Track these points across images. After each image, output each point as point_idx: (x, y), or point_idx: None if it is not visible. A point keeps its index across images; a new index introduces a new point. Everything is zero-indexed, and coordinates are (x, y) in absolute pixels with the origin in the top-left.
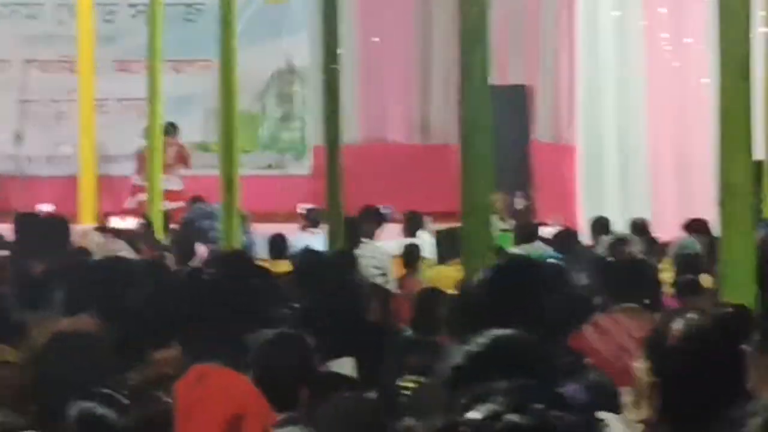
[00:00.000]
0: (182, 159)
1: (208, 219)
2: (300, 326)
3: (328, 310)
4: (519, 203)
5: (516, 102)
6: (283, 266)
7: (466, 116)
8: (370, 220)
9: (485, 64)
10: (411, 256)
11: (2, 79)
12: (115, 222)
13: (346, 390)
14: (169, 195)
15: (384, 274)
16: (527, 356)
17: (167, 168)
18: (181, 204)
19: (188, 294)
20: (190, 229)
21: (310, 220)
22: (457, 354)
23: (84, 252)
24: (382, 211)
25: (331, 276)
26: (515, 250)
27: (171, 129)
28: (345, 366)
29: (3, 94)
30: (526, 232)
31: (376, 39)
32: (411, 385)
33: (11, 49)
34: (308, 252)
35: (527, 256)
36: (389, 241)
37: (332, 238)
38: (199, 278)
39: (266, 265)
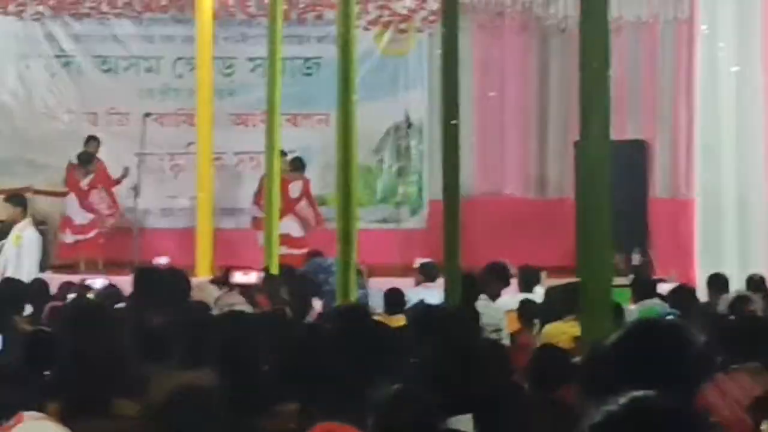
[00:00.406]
0: (308, 195)
1: (324, 273)
2: (418, 382)
3: (446, 366)
4: (636, 259)
5: (634, 157)
6: (399, 321)
7: (585, 171)
8: (495, 277)
9: (605, 118)
10: (527, 312)
11: (121, 132)
12: (239, 277)
13: None
14: (290, 241)
15: (497, 331)
16: (668, 418)
17: (292, 203)
18: (302, 251)
19: (307, 348)
20: (307, 282)
21: (426, 274)
22: (597, 415)
23: (203, 305)
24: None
25: (448, 331)
26: (633, 306)
27: (298, 164)
28: (464, 423)
29: (122, 147)
30: (645, 289)
31: (494, 93)
32: None
33: (130, 102)
34: (424, 307)
35: (656, 317)
36: (504, 296)
37: (449, 292)
38: (318, 333)
39: (382, 319)
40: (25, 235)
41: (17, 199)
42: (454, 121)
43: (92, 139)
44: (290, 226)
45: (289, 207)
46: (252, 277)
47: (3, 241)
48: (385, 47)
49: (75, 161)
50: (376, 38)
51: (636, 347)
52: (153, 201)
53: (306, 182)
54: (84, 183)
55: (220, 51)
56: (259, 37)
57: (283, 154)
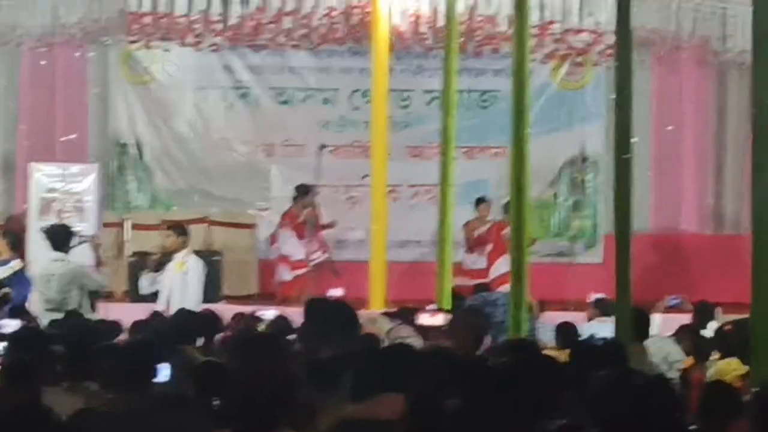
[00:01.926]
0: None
1: (490, 306)
2: (579, 416)
3: (610, 402)
4: None
5: None
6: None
7: (758, 207)
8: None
9: None
10: (701, 348)
11: (297, 164)
12: (425, 319)
13: None
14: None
15: (674, 369)
16: None
17: (505, 245)
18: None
19: (473, 382)
20: (479, 316)
21: (600, 309)
22: None
23: (372, 338)
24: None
25: (607, 366)
26: None
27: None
28: None
29: (297, 179)
30: None
31: (671, 127)
32: None
33: (307, 134)
34: (587, 342)
35: None
36: None
37: (620, 327)
38: (484, 367)
39: (553, 353)
40: (190, 262)
41: (179, 228)
42: (626, 155)
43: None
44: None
45: (502, 249)
46: (439, 319)
47: (162, 270)
48: (561, 80)
49: (294, 195)
50: (552, 71)
51: None
52: (329, 233)
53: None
54: (301, 217)
55: (396, 83)
56: (435, 69)
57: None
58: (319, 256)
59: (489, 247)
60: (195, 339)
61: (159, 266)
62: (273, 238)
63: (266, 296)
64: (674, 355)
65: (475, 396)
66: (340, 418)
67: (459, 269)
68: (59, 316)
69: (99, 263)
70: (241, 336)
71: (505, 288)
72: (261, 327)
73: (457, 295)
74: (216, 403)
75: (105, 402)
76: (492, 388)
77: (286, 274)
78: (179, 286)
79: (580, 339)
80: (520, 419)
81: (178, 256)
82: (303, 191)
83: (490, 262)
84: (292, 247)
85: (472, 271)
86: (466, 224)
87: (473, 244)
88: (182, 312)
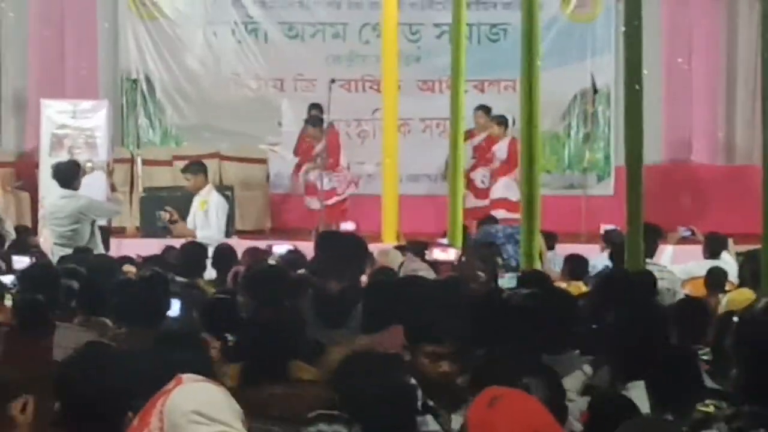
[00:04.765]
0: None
1: (495, 240)
2: (599, 348)
3: (626, 331)
4: None
5: None
6: (579, 287)
7: None
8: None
9: None
10: (714, 279)
11: (308, 99)
12: (437, 254)
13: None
14: (507, 205)
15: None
16: None
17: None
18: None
19: (486, 313)
20: (487, 250)
21: (611, 241)
22: None
23: (387, 270)
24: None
25: (629, 296)
26: None
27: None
28: (638, 389)
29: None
30: None
31: (682, 59)
32: (711, 410)
33: (317, 69)
34: (607, 272)
35: None
36: (691, 262)
37: (631, 259)
38: (498, 298)
39: (564, 285)
40: (211, 200)
41: (197, 166)
42: (637, 88)
43: (314, 107)
44: (509, 189)
45: (506, 168)
46: (451, 254)
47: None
48: (571, 13)
49: (305, 126)
50: (563, 4)
51: None
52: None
53: (513, 142)
54: (318, 149)
55: (406, 17)
56: (445, 2)
57: (487, 110)
58: (345, 191)
59: (496, 163)
60: (203, 272)
61: (186, 204)
62: (297, 169)
63: (278, 231)
64: (668, 284)
65: (488, 326)
66: (347, 352)
67: (471, 185)
68: (70, 251)
69: (113, 189)
70: (250, 270)
71: (502, 213)
72: (272, 261)
73: (468, 230)
74: (229, 338)
75: (118, 337)
76: (506, 319)
77: (313, 203)
78: (200, 223)
79: (597, 271)
80: (532, 350)
81: (202, 194)
82: (313, 121)
83: (493, 180)
84: (320, 178)
85: (481, 191)
86: (465, 133)
87: (473, 155)
88: (192, 246)
